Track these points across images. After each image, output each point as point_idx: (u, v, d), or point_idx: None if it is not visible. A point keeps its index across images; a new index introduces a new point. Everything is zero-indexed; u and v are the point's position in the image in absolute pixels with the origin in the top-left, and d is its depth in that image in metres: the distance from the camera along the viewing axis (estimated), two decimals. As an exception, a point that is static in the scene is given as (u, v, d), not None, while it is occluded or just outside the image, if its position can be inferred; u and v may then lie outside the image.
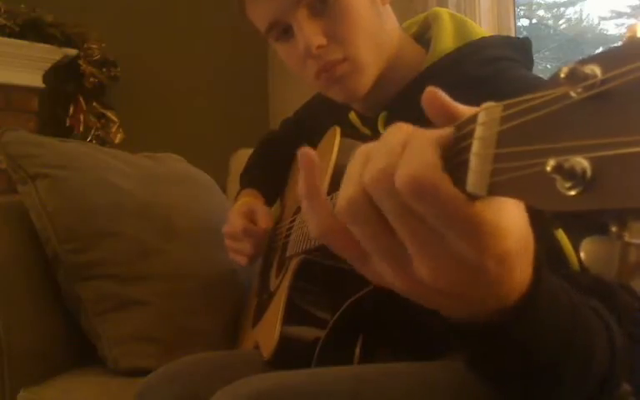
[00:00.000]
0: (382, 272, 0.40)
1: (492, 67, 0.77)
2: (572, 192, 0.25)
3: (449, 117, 0.36)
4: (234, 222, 1.08)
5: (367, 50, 0.80)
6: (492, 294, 0.39)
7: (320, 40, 0.78)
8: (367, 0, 0.80)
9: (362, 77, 0.80)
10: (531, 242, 0.39)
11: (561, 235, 0.56)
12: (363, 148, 0.40)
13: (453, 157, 0.34)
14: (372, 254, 0.40)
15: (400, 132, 0.37)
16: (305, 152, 0.43)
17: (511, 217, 0.36)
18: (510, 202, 0.36)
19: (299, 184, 0.43)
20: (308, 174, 0.42)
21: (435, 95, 0.37)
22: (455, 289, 0.37)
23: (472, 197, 0.33)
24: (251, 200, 1.14)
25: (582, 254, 0.26)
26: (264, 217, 1.08)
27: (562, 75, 0.26)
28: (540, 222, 0.37)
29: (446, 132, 0.35)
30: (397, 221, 0.36)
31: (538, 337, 0.44)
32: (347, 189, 0.39)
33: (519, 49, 0.83)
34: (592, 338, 0.48)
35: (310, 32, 0.77)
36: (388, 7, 0.85)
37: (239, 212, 1.10)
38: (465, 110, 0.36)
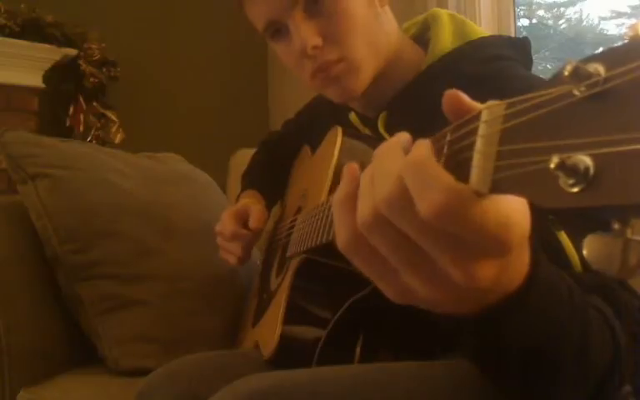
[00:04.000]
0: (410, 283, 0.39)
1: (491, 67, 0.77)
2: (575, 189, 0.25)
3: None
4: (225, 223, 1.09)
5: (362, 50, 0.80)
6: (503, 283, 0.40)
7: (316, 40, 0.78)
8: (365, 1, 0.80)
9: (357, 77, 0.81)
10: (528, 230, 0.39)
11: (563, 236, 0.56)
12: (368, 170, 0.40)
13: (456, 154, 0.34)
14: (398, 267, 0.39)
15: (391, 156, 0.37)
16: (352, 165, 0.43)
17: (516, 206, 0.36)
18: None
19: (337, 190, 0.43)
20: (349, 185, 0.42)
21: (457, 97, 0.36)
22: (483, 284, 0.37)
23: (480, 195, 0.33)
24: (249, 201, 1.15)
25: (584, 251, 0.26)
26: (256, 217, 1.07)
27: (566, 73, 0.26)
28: (542, 223, 0.37)
29: (429, 144, 0.36)
30: (421, 238, 0.36)
31: (536, 322, 0.44)
32: (364, 207, 0.39)
33: (518, 49, 0.83)
34: (587, 324, 0.48)
35: (306, 33, 0.78)
36: (387, 9, 0.85)
37: (231, 214, 1.10)
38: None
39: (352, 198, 0.41)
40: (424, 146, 0.36)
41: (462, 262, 0.36)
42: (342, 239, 0.42)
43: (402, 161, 0.37)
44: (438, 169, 0.34)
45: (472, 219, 0.34)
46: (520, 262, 0.41)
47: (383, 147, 0.39)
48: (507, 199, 0.35)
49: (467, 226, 0.34)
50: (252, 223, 1.07)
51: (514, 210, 0.35)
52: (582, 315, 0.48)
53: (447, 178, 0.34)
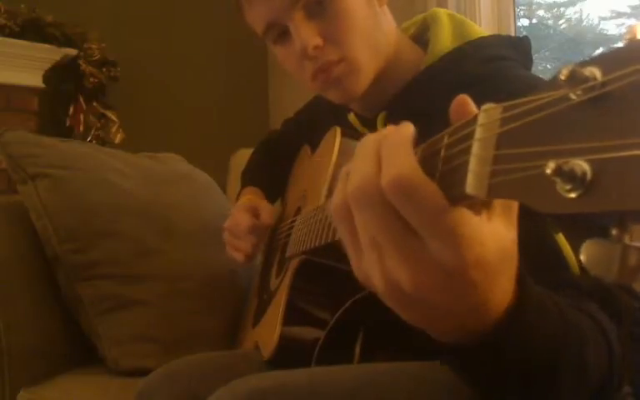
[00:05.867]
0: (367, 266, 0.41)
1: (490, 67, 0.77)
2: (572, 195, 0.25)
3: None
4: (239, 218, 1.08)
5: (363, 51, 0.80)
6: (474, 306, 0.39)
7: (316, 41, 0.78)
8: (364, 1, 0.80)
9: (358, 77, 0.80)
10: (514, 259, 0.39)
11: (561, 239, 0.56)
12: (345, 167, 0.43)
13: (453, 158, 0.34)
14: (364, 247, 0.41)
15: (371, 140, 0.39)
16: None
17: (493, 227, 0.36)
18: (496, 216, 0.37)
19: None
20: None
21: (465, 102, 0.37)
22: (434, 297, 0.38)
23: (455, 201, 0.34)
24: (254, 197, 1.15)
25: (582, 257, 0.26)
26: (267, 213, 1.08)
27: (562, 77, 0.26)
28: (540, 225, 0.37)
29: (412, 128, 0.38)
30: (379, 226, 0.38)
31: (529, 347, 0.44)
32: (351, 180, 0.40)
33: (518, 48, 0.83)
34: (583, 342, 0.47)
35: (306, 34, 0.77)
36: (386, 9, 0.85)
37: (244, 208, 1.09)
38: None
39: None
40: (406, 127, 0.38)
41: (407, 260, 0.37)
42: (333, 203, 0.43)
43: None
44: (407, 148, 0.36)
45: (424, 206, 0.35)
46: (497, 289, 0.40)
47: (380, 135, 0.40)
48: (487, 217, 0.35)
49: (419, 211, 0.35)
50: (265, 218, 1.07)
51: (491, 229, 0.36)
52: (577, 330, 0.47)
53: (411, 159, 0.36)
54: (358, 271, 0.43)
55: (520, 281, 0.42)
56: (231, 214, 1.11)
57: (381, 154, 0.38)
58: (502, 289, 0.40)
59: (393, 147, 0.37)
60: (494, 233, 0.36)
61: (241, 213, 1.08)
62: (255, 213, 1.09)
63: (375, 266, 0.40)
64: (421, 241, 0.36)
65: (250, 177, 1.25)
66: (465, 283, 0.37)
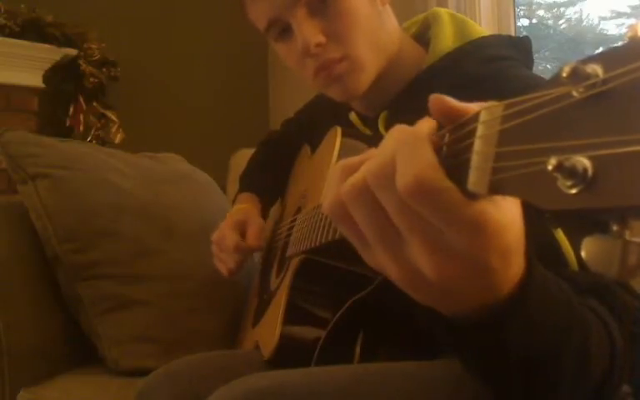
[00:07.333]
0: (380, 259, 0.40)
1: (492, 67, 0.77)
2: (573, 191, 0.25)
3: (458, 119, 0.37)
4: (226, 234, 1.08)
5: (365, 49, 0.80)
6: (488, 287, 0.40)
7: (319, 38, 0.78)
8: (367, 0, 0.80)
9: (360, 75, 0.80)
10: (523, 235, 0.39)
11: (560, 235, 0.56)
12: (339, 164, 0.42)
13: (455, 156, 0.34)
14: (370, 239, 0.40)
15: (397, 130, 0.38)
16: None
17: (510, 212, 0.36)
18: (508, 198, 0.36)
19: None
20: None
21: (441, 100, 0.37)
22: (456, 284, 0.38)
23: (473, 196, 0.34)
24: (247, 208, 1.14)
25: (582, 253, 0.26)
26: (255, 233, 1.07)
27: (564, 74, 0.26)
28: (539, 221, 0.37)
29: (432, 123, 0.37)
30: (398, 216, 0.37)
31: (535, 327, 0.44)
32: (353, 176, 0.39)
33: (519, 48, 0.83)
34: (587, 331, 0.48)
35: (309, 31, 0.77)
36: (388, 8, 0.85)
37: (231, 224, 1.09)
38: (473, 107, 0.36)
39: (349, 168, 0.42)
40: (426, 124, 0.37)
41: (432, 252, 0.37)
42: (326, 204, 0.42)
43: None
44: (426, 147, 0.35)
45: (446, 208, 0.34)
46: (511, 270, 0.40)
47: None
48: (503, 203, 0.35)
49: (441, 213, 0.34)
50: (251, 241, 1.06)
51: (509, 215, 0.36)
52: (582, 320, 0.47)
53: (430, 159, 0.35)
54: (370, 261, 0.42)
55: (528, 262, 0.42)
56: (219, 227, 1.11)
57: (398, 145, 0.36)
58: (514, 268, 0.41)
59: (410, 142, 0.36)
60: (512, 217, 0.36)
61: (228, 230, 1.08)
62: (242, 230, 1.08)
63: (389, 257, 0.39)
64: (443, 232, 0.36)
65: (249, 181, 1.24)
66: (487, 268, 0.37)
